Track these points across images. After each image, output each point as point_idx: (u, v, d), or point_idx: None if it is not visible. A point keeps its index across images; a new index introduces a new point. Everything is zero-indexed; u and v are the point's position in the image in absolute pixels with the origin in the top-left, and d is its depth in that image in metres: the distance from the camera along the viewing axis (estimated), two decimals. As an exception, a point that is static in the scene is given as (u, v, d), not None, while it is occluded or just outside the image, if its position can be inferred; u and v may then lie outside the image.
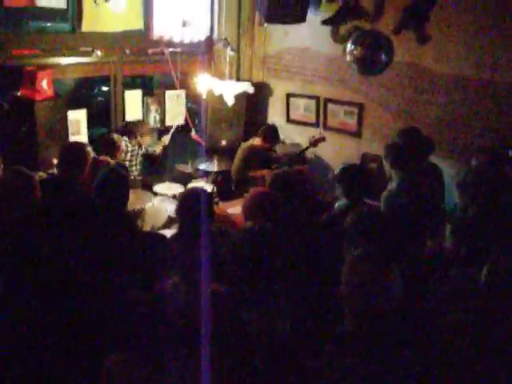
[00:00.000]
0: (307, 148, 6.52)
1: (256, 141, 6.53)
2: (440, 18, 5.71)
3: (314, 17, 6.50)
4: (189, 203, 3.69)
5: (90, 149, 4.63)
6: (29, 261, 3.16)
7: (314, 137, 6.52)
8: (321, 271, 3.48)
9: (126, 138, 6.48)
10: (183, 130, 7.49)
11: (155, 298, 2.64)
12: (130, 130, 6.71)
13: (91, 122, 6.59)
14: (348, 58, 4.97)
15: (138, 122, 6.95)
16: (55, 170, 4.89)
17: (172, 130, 7.10)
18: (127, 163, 6.43)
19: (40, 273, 3.16)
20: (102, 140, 6.28)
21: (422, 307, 2.80)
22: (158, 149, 6.96)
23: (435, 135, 5.67)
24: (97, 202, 3.77)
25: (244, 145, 6.68)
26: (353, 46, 4.87)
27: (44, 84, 5.67)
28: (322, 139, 6.48)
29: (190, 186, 6.09)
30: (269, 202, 3.81)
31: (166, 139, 7.02)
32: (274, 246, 3.05)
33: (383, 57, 4.83)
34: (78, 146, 4.68)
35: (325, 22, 5.48)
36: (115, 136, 6.17)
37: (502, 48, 5.45)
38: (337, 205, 4.38)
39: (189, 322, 2.44)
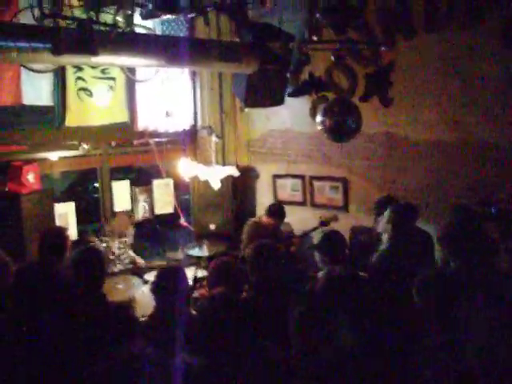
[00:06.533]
0: (316, 228, 6.26)
1: (262, 218, 6.43)
2: (411, 86, 5.93)
3: (292, 99, 6.69)
4: (163, 282, 3.65)
5: (69, 233, 4.62)
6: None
7: (323, 216, 6.33)
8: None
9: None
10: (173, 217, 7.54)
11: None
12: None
13: (81, 217, 6.64)
14: (319, 128, 5.11)
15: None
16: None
17: None
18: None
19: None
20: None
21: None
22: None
23: (419, 201, 5.73)
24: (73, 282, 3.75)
25: (250, 221, 6.57)
26: (322, 117, 5.02)
27: (30, 178, 5.75)
28: (335, 218, 6.26)
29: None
30: (227, 270, 3.80)
31: None
32: (235, 313, 2.96)
33: (351, 123, 4.96)
34: (58, 230, 4.69)
35: (290, 95, 5.62)
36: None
37: (473, 109, 5.62)
38: (320, 274, 4.22)
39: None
